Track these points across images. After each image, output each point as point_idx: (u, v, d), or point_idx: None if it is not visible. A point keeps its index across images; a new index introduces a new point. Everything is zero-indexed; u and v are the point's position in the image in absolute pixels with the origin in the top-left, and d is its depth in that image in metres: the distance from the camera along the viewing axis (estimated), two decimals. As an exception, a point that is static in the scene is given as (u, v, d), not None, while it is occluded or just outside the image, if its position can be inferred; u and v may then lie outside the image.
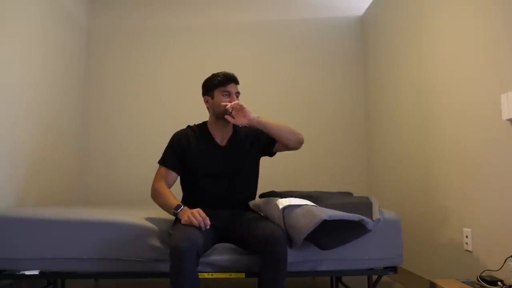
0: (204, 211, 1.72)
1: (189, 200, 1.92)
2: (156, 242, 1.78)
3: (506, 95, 1.65)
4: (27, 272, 1.79)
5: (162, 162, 1.94)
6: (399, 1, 2.76)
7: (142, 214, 1.91)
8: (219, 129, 1.99)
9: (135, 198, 2.89)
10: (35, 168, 2.54)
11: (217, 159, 1.94)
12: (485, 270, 1.70)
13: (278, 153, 2.21)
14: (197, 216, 1.66)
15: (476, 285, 1.61)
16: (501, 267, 1.63)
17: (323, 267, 1.84)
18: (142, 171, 2.76)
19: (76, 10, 3.21)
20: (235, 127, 2.03)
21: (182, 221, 1.69)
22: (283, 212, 1.70)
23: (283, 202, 1.73)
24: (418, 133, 2.46)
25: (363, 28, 3.44)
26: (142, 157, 3.18)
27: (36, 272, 1.80)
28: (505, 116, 1.65)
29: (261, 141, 2.02)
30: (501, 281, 1.57)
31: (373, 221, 1.66)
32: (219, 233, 1.83)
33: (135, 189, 2.96)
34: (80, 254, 1.79)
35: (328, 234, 1.67)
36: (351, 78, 3.41)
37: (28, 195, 2.45)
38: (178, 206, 1.76)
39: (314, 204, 1.74)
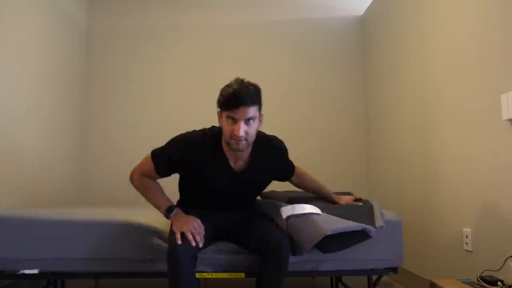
0: (204, 212, 1.70)
1: (186, 201, 1.86)
2: (156, 242, 1.77)
3: (506, 95, 1.65)
4: (27, 272, 1.79)
5: (155, 161, 1.75)
6: (399, 1, 2.76)
7: (142, 214, 1.91)
8: (233, 152, 1.67)
9: (135, 198, 2.88)
10: (35, 168, 2.54)
11: (227, 183, 1.75)
12: (485, 270, 1.70)
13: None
14: (193, 231, 1.56)
15: (476, 285, 1.61)
16: (501, 267, 1.63)
17: (323, 267, 1.83)
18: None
19: (76, 11, 3.21)
20: (254, 149, 1.73)
21: (174, 229, 1.58)
22: (286, 221, 1.69)
23: (286, 212, 1.72)
24: (418, 133, 2.46)
25: (363, 28, 3.44)
26: (142, 157, 3.16)
27: (36, 272, 1.80)
28: (505, 116, 1.65)
29: (279, 174, 1.89)
30: (501, 281, 1.57)
31: (376, 228, 1.66)
32: (219, 231, 1.80)
33: (135, 189, 2.95)
34: (80, 254, 1.79)
35: (330, 239, 1.66)
36: (351, 78, 3.41)
37: (28, 195, 2.45)
38: (171, 208, 1.67)
39: (317, 212, 1.72)
